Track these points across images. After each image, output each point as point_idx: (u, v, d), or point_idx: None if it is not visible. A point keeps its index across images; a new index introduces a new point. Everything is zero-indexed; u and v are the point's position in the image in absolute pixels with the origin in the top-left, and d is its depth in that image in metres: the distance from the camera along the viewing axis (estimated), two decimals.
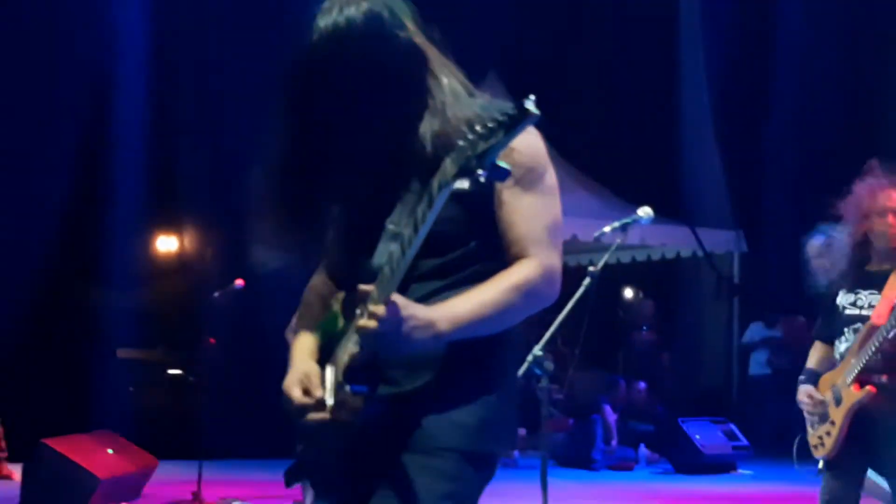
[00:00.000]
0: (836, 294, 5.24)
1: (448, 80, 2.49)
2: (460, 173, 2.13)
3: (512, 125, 2.07)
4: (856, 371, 4.95)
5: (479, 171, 2.11)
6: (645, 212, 5.19)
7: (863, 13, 13.79)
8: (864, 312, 5.06)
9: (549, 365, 4.81)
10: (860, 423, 4.99)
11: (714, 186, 14.43)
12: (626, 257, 13.61)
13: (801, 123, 14.25)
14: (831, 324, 5.29)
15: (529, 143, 2.41)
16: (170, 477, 9.14)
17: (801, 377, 5.36)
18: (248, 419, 10.64)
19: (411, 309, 2.25)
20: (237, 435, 10.69)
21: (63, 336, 10.94)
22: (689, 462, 11.55)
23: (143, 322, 10.86)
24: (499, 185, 2.37)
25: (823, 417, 5.15)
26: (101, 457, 8.15)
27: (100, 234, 11.44)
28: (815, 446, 5.21)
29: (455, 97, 2.47)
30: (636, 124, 14.51)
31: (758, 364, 13.59)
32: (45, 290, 11.10)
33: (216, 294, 8.51)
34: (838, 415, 5.06)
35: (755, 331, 13.65)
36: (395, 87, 2.44)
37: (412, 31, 2.48)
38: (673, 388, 13.79)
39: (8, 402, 10.08)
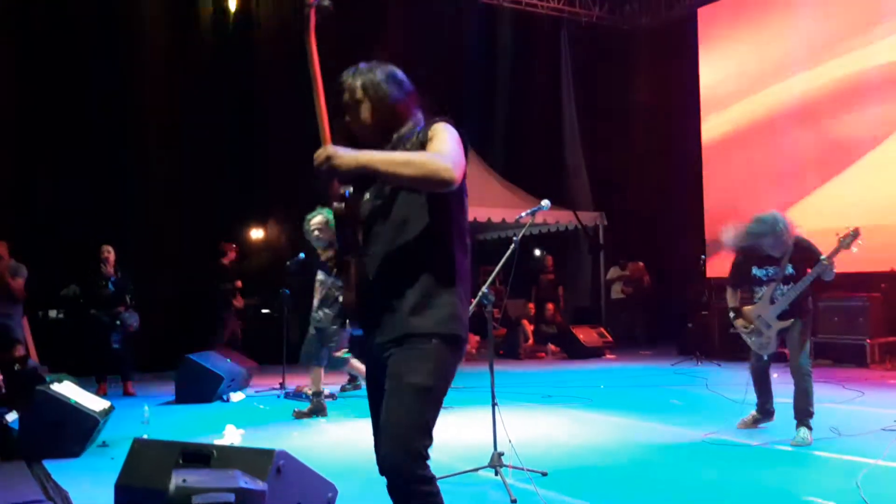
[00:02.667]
0: (751, 267, 5.61)
1: (407, 126, 2.50)
2: (303, 9, 2.35)
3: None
4: (777, 313, 5.44)
5: (310, 4, 2.34)
6: (545, 202, 5.12)
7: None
8: (774, 277, 5.49)
9: (492, 297, 4.75)
10: (786, 334, 5.48)
11: (585, 185, 14.46)
12: (535, 230, 13.61)
13: (637, 150, 14.42)
14: (743, 280, 5.68)
15: (442, 123, 2.43)
16: (265, 374, 9.18)
17: (731, 314, 5.72)
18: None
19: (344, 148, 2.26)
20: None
21: (203, 293, 10.65)
22: (577, 351, 11.66)
23: (246, 281, 10.50)
24: (430, 136, 2.38)
25: (758, 333, 5.56)
26: (223, 364, 8.14)
27: (222, 228, 11.11)
28: (760, 349, 5.60)
29: (407, 130, 2.49)
30: (537, 145, 14.44)
31: (615, 292, 13.77)
32: (193, 266, 10.90)
33: (288, 263, 8.40)
34: (772, 333, 5.50)
35: (612, 272, 13.80)
36: (376, 115, 2.48)
37: (397, 92, 2.50)
38: (566, 308, 13.81)
39: (171, 331, 10.16)
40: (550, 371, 10.26)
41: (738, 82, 12.29)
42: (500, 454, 4.44)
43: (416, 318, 2.36)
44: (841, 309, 9.81)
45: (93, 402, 5.73)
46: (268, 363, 9.56)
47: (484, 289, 4.74)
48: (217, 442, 5.52)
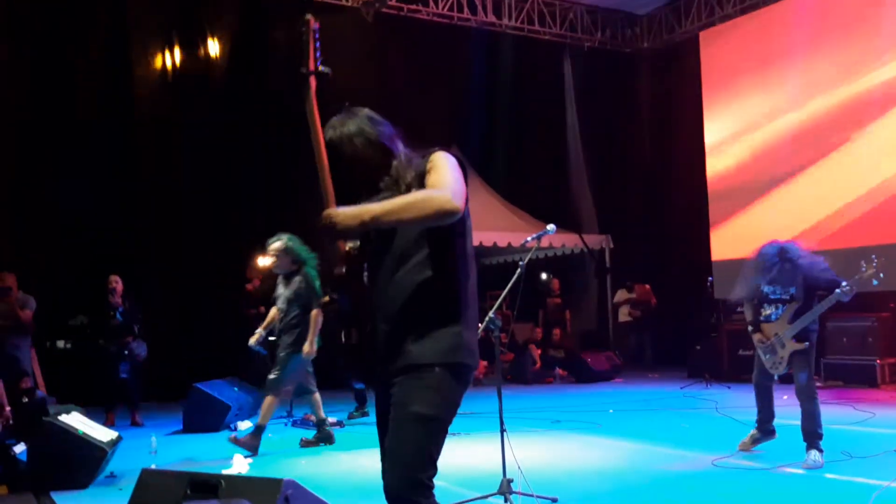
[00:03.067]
0: (759, 284, 5.61)
1: (398, 160, 2.48)
2: (302, 77, 2.40)
3: (306, 41, 2.40)
4: (793, 334, 5.40)
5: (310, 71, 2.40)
6: (551, 226, 5.14)
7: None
8: (782, 297, 5.52)
9: (499, 322, 4.76)
10: (792, 356, 5.43)
11: (590, 208, 14.44)
12: (541, 254, 13.56)
13: (642, 172, 14.43)
14: (754, 296, 5.65)
15: (439, 153, 2.44)
16: None
17: (750, 328, 5.70)
18: (322, 365, 10.18)
19: (346, 208, 2.28)
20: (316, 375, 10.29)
21: (211, 323, 10.64)
22: (586, 375, 11.60)
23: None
24: (428, 168, 2.38)
25: (773, 351, 5.53)
26: (231, 392, 8.13)
27: (232, 257, 10.93)
28: (772, 367, 5.57)
29: (399, 165, 2.47)
30: (541, 169, 14.45)
31: (622, 315, 13.65)
32: (203, 297, 10.83)
33: None
34: (785, 353, 5.47)
35: (619, 295, 13.70)
36: (366, 162, 2.45)
37: (377, 134, 2.48)
38: (573, 331, 13.71)
39: (182, 364, 10.05)
40: (559, 395, 10.19)
41: (741, 104, 12.30)
42: (510, 481, 4.39)
43: (420, 348, 2.37)
44: (850, 329, 9.71)
45: (100, 433, 5.72)
46: None
47: (490, 314, 4.71)
48: (225, 471, 5.50)
